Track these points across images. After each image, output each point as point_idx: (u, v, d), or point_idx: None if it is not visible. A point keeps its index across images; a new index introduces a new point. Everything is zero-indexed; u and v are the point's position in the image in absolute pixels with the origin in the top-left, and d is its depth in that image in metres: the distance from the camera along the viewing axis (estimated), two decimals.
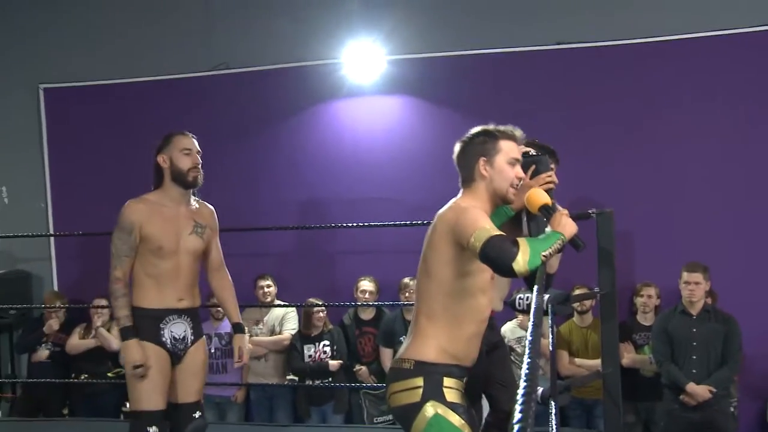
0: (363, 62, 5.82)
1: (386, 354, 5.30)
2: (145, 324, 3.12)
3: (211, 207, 3.42)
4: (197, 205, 3.34)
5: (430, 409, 2.37)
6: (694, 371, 4.54)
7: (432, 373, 2.40)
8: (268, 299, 5.57)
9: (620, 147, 5.52)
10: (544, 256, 2.27)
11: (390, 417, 5.30)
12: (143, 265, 3.16)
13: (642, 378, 5.08)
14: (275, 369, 5.55)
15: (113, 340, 5.61)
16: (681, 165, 5.43)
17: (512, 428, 1.18)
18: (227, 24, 6.17)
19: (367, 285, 5.48)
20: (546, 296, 3.60)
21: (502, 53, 5.66)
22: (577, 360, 5.22)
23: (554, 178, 2.77)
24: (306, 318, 5.44)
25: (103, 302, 5.67)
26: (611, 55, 5.55)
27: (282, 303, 5.64)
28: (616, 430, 4.28)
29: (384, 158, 5.82)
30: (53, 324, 5.73)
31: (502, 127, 2.55)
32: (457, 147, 2.58)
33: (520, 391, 1.33)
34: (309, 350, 5.40)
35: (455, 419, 2.37)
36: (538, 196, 2.52)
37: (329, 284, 5.87)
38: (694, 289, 4.58)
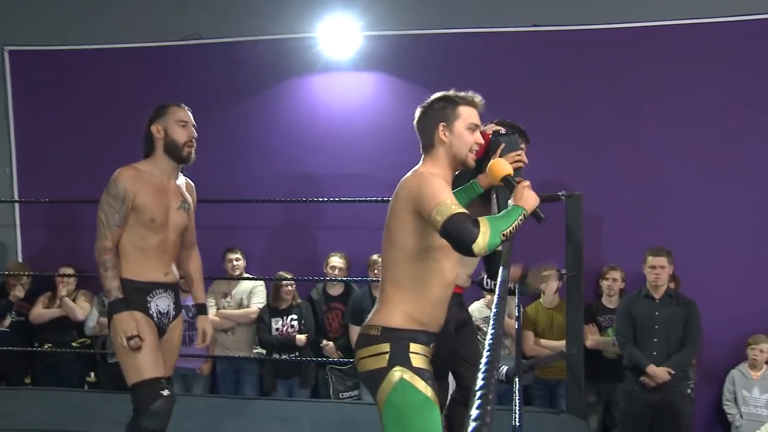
0: (338, 37, 5.78)
1: (354, 331, 5.30)
2: (133, 297, 3.01)
3: (192, 183, 3.34)
4: (183, 180, 3.25)
5: (396, 373, 2.40)
6: (654, 353, 4.63)
7: (399, 339, 2.43)
8: (237, 272, 5.56)
9: (591, 131, 5.57)
10: (504, 235, 2.27)
11: (355, 393, 5.34)
12: (131, 237, 3.03)
13: (605, 360, 5.17)
14: (242, 342, 5.55)
15: (78, 310, 5.58)
16: (650, 150, 5.49)
17: (474, 396, 1.18)
18: None
19: (337, 261, 5.48)
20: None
21: (477, 33, 5.66)
22: (543, 341, 5.28)
23: (523, 158, 2.80)
24: (275, 291, 5.44)
25: (69, 271, 5.63)
26: (586, 39, 5.57)
27: (250, 276, 5.63)
28: (578, 410, 4.36)
29: (357, 134, 5.81)
30: (17, 293, 5.66)
31: (462, 93, 2.56)
32: (417, 112, 2.60)
33: (483, 362, 1.34)
34: (276, 323, 5.40)
35: (420, 384, 2.40)
36: (501, 167, 2.54)
37: (299, 259, 5.87)
38: (660, 273, 4.66)
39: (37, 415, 4.34)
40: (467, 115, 2.52)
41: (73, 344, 5.62)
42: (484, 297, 5.18)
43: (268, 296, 5.59)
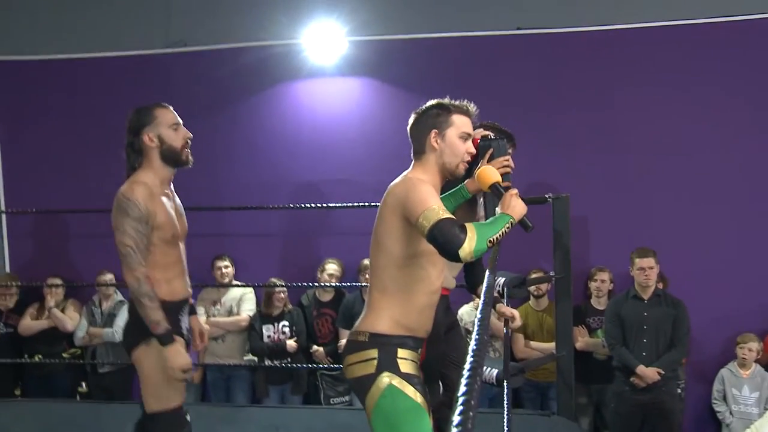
0: (323, 43, 5.77)
1: (346, 336, 5.30)
2: (169, 318, 2.82)
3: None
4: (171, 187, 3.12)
5: (384, 379, 2.40)
6: (644, 354, 4.64)
7: (386, 345, 2.44)
8: (226, 280, 5.53)
9: (577, 132, 5.58)
10: (490, 241, 2.28)
11: (346, 398, 5.34)
12: (154, 256, 2.82)
13: (595, 361, 5.18)
14: (232, 349, 5.53)
15: (67, 321, 5.55)
16: (636, 152, 5.51)
17: (457, 401, 1.18)
18: (186, 1, 6.06)
19: (333, 268, 5.47)
20: (502, 279, 3.66)
21: (462, 37, 5.68)
22: (533, 343, 5.28)
23: (511, 163, 2.80)
24: (267, 298, 5.43)
25: (57, 281, 5.60)
26: (571, 42, 5.60)
27: (239, 283, 5.61)
28: (569, 412, 4.38)
29: (344, 140, 5.81)
30: (7, 304, 5.64)
31: (456, 102, 2.56)
32: (411, 118, 2.60)
33: (467, 366, 1.34)
34: (268, 330, 5.40)
35: (409, 390, 2.40)
36: (489, 174, 2.53)
37: (288, 265, 5.86)
38: (649, 273, 4.68)
39: (28, 427, 4.32)
40: (460, 123, 2.53)
41: (64, 355, 5.59)
42: (473, 300, 5.18)
43: (257, 303, 5.57)
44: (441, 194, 2.65)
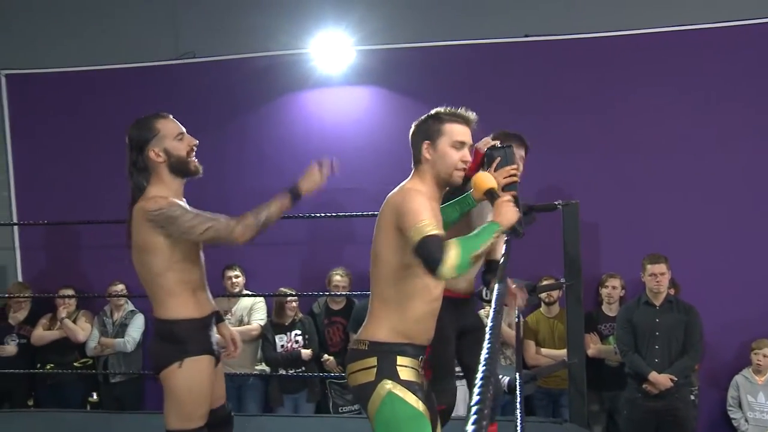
0: (331, 53, 5.78)
1: None
2: (200, 335, 2.78)
3: None
4: None
5: (385, 387, 2.41)
6: (656, 360, 4.61)
7: (385, 353, 2.45)
8: (236, 289, 5.54)
9: (587, 138, 5.56)
10: (474, 256, 2.28)
11: (355, 407, 5.32)
12: (180, 274, 2.76)
13: (607, 368, 5.15)
14: (244, 359, 5.50)
15: (79, 331, 5.57)
16: (646, 157, 5.48)
17: (469, 411, 1.18)
18: (194, 12, 6.09)
19: (338, 280, 5.46)
20: (513, 286, 3.64)
21: (470, 45, 5.67)
22: (544, 350, 5.26)
23: (517, 172, 2.74)
24: (279, 307, 5.43)
25: (69, 292, 5.63)
26: (580, 48, 5.58)
27: (250, 293, 5.62)
28: (581, 419, 4.35)
29: (352, 149, 5.80)
30: (18, 315, 5.67)
31: (452, 110, 2.55)
32: (412, 127, 2.61)
33: (479, 376, 1.35)
34: (281, 340, 5.40)
35: (410, 397, 2.40)
36: (484, 180, 2.53)
37: (298, 274, 5.85)
38: (660, 279, 4.65)
39: None
40: (453, 132, 2.52)
41: (75, 365, 5.60)
42: (483, 308, 5.16)
43: (268, 312, 5.58)
44: (445, 203, 2.66)
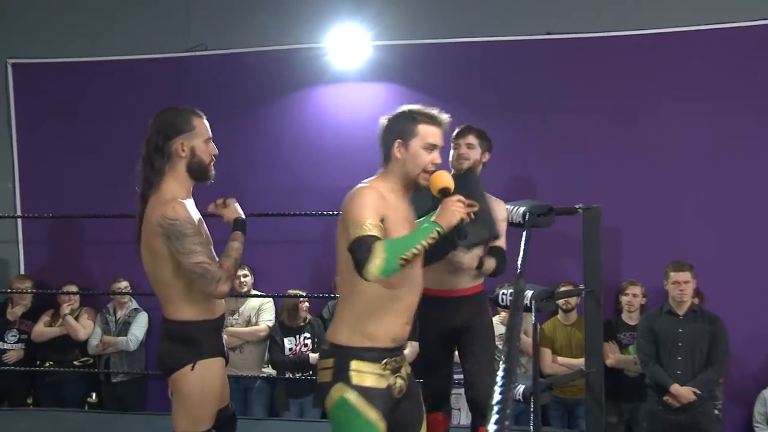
0: (347, 48, 5.68)
1: None
2: (212, 337, 2.74)
3: None
4: None
5: (337, 390, 2.42)
6: (678, 372, 4.45)
7: (341, 356, 2.45)
8: (245, 289, 5.46)
9: (609, 141, 5.42)
10: (403, 259, 2.25)
11: None
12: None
13: (626, 378, 5.01)
14: (251, 361, 5.45)
15: (80, 329, 5.50)
16: (670, 161, 5.33)
17: (490, 411, 1.19)
18: (207, 3, 6.02)
19: None
20: (530, 292, 3.50)
21: (489, 42, 5.54)
22: (560, 358, 5.15)
23: (464, 207, 2.48)
24: (292, 310, 5.34)
25: (73, 288, 5.56)
26: (603, 47, 5.44)
27: (258, 293, 5.53)
28: (598, 431, 4.19)
29: (367, 146, 5.59)
30: (16, 311, 5.60)
31: (425, 110, 2.53)
32: (381, 123, 2.57)
33: (496, 396, 1.29)
34: (290, 343, 5.31)
35: (361, 404, 2.39)
36: (441, 179, 2.47)
37: (308, 274, 5.75)
38: (684, 288, 4.49)
39: None
40: (426, 134, 2.49)
41: (75, 363, 5.51)
42: (498, 314, 5.01)
43: (276, 313, 5.48)
44: (415, 202, 2.62)
